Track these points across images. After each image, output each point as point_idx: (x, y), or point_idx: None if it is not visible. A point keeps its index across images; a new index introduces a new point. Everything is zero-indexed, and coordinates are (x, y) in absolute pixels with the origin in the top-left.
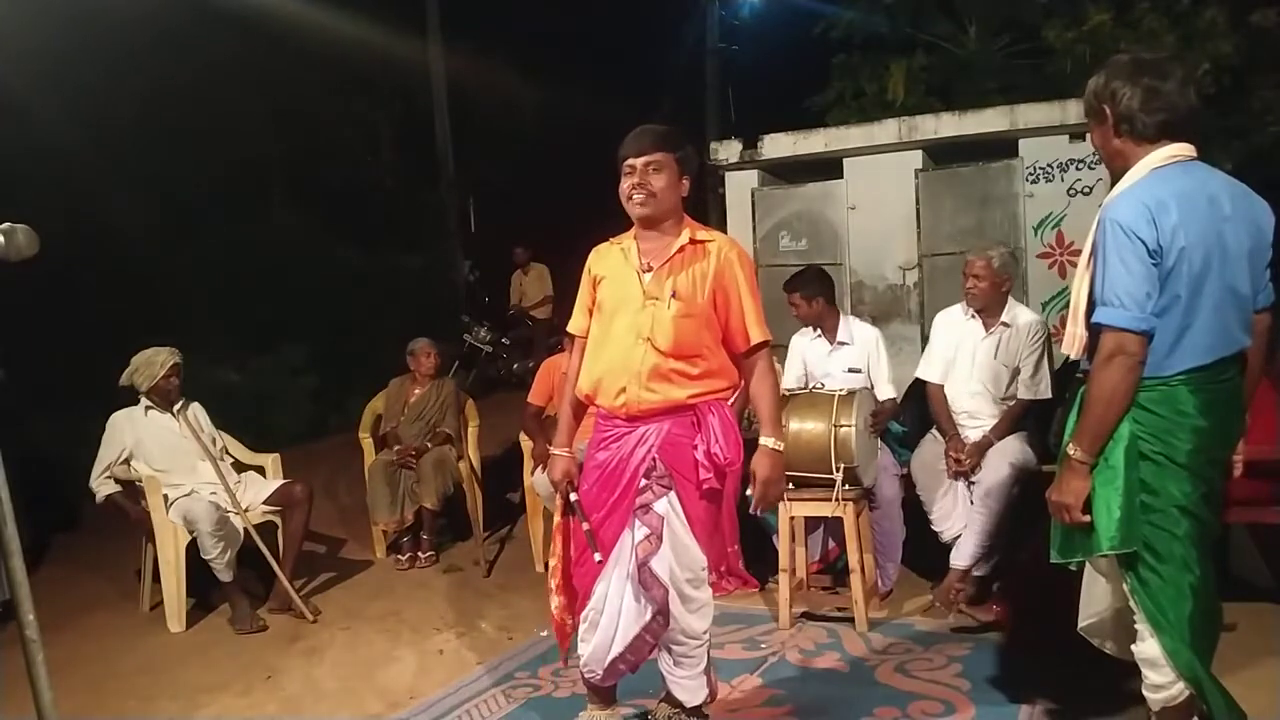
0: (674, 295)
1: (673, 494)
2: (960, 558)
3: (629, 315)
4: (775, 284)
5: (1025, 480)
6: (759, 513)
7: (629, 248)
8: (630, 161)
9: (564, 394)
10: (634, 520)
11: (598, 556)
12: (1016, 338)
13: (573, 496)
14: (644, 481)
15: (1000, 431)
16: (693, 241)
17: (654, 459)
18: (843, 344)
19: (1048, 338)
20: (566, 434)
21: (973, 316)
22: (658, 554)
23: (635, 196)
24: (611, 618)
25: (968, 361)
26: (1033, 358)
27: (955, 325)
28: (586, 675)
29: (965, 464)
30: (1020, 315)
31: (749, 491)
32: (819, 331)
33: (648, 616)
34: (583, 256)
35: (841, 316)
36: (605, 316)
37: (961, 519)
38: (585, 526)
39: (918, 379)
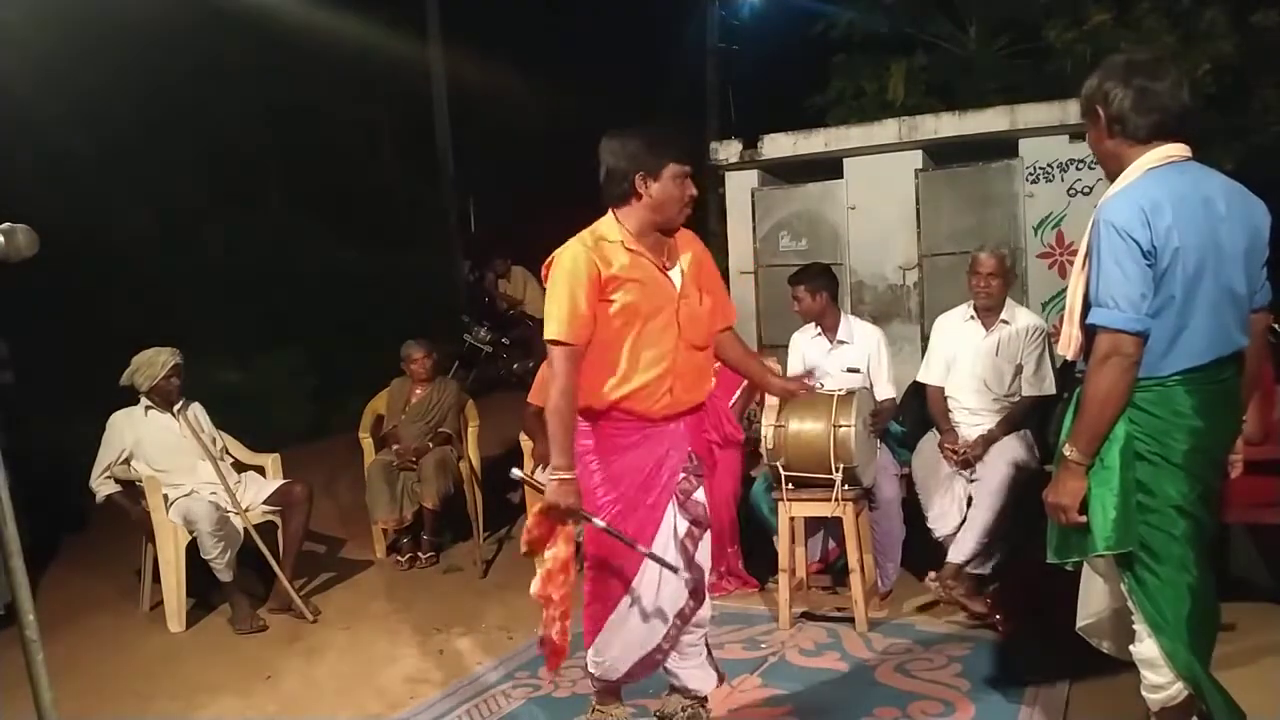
0: (696, 289)
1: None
2: (958, 554)
3: (666, 316)
4: (775, 284)
5: (1026, 480)
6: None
7: (636, 247)
8: (686, 169)
9: (557, 409)
10: (674, 511)
11: (643, 548)
12: (1017, 335)
13: (599, 521)
14: (683, 474)
15: (1004, 427)
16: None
17: (689, 451)
18: (842, 343)
19: (1048, 337)
20: (573, 454)
21: (972, 317)
22: (701, 541)
23: (688, 209)
24: (647, 613)
25: (969, 361)
26: (1034, 354)
27: (955, 327)
28: (608, 676)
29: (967, 455)
30: (1019, 314)
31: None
32: (819, 329)
33: (682, 602)
34: None
35: (842, 315)
36: (638, 319)
37: (955, 518)
38: (629, 541)
39: (918, 380)
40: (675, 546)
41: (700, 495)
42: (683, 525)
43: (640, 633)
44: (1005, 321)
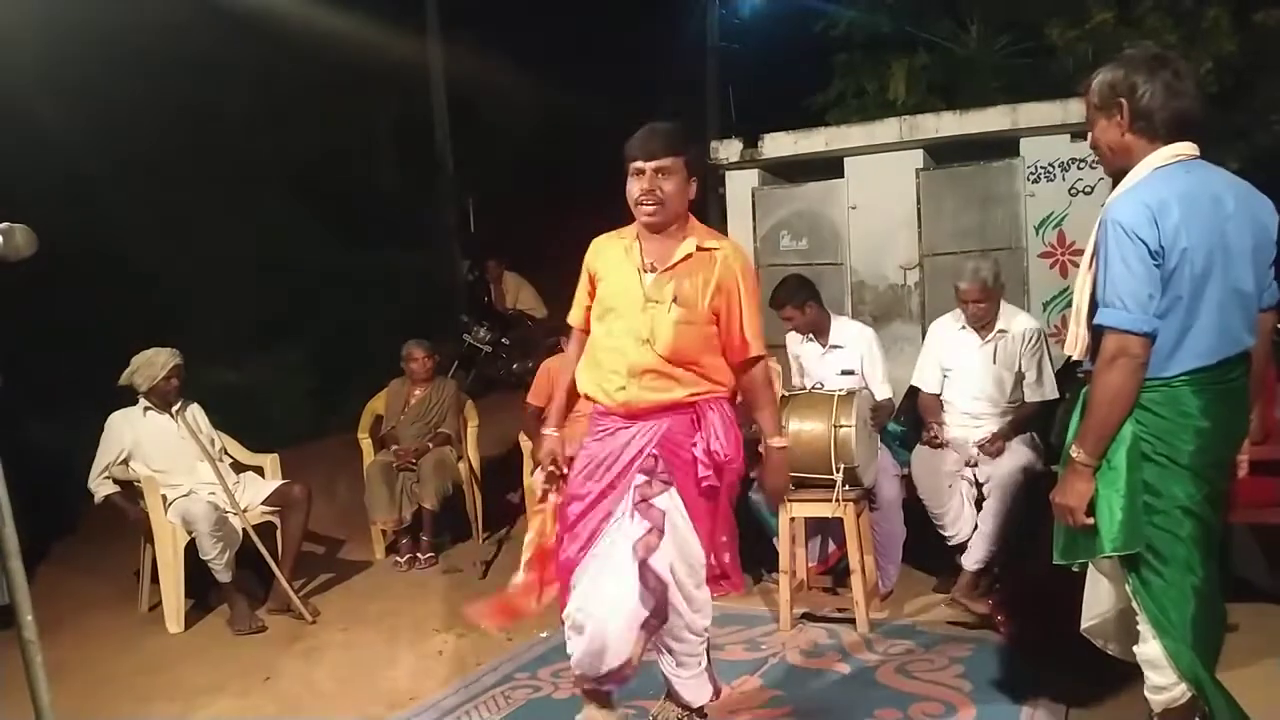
0: (675, 300)
1: (674, 490)
2: (971, 562)
3: (630, 317)
4: (776, 283)
5: (1032, 482)
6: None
7: (631, 246)
8: (639, 165)
9: (560, 381)
10: (634, 515)
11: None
12: (1013, 342)
13: (545, 480)
14: (644, 478)
15: (1013, 429)
16: (699, 249)
17: (654, 455)
18: (835, 347)
19: (1045, 339)
20: (558, 416)
21: (964, 327)
22: (659, 550)
23: (645, 204)
24: (602, 621)
25: (968, 370)
26: (1034, 361)
27: (950, 335)
28: (577, 674)
29: (989, 449)
30: (1016, 320)
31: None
32: (811, 335)
33: (642, 618)
34: (583, 256)
35: (833, 318)
36: (605, 315)
37: (971, 520)
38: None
39: (912, 384)
40: (629, 550)
41: (662, 502)
42: (638, 530)
43: (599, 641)
44: (1002, 330)
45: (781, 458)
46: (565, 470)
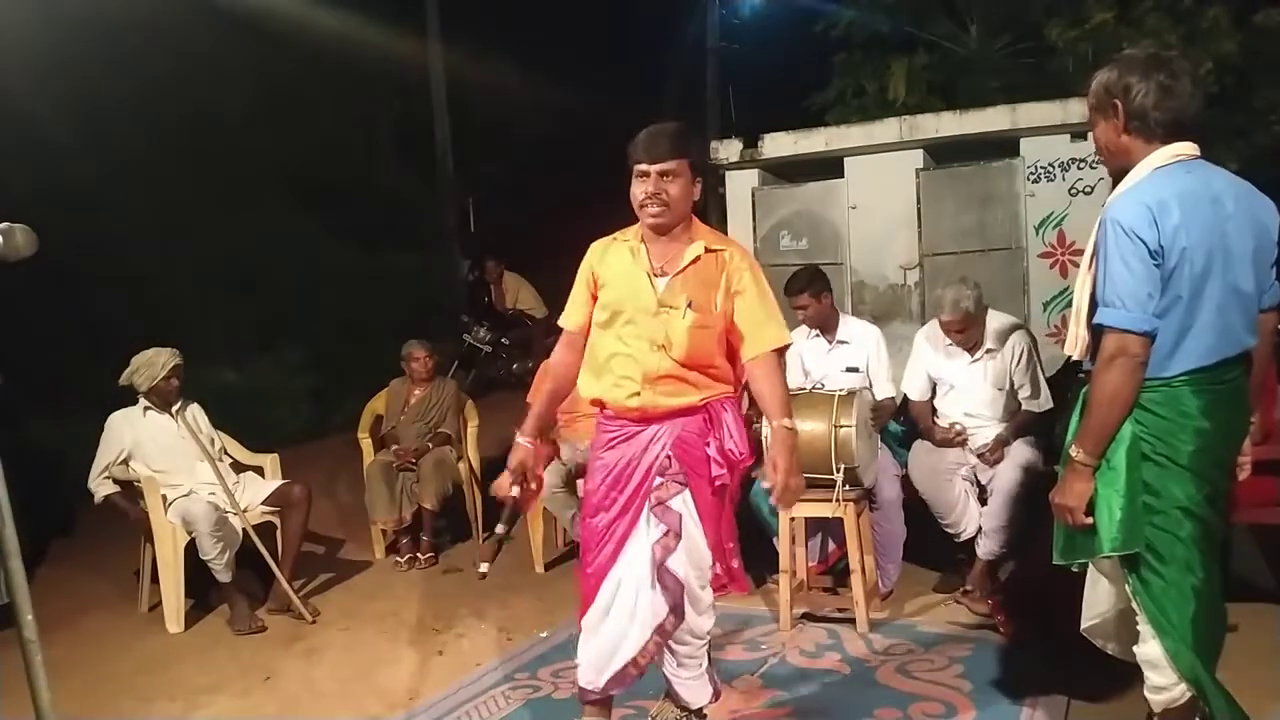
0: (690, 306)
1: (687, 491)
2: (985, 551)
3: (642, 323)
4: (776, 284)
5: (1032, 481)
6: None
7: (637, 249)
8: (643, 167)
9: (541, 387)
10: (650, 518)
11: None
12: (1003, 360)
13: (514, 491)
14: (660, 480)
15: (1014, 432)
16: (707, 250)
17: (669, 456)
18: (842, 343)
19: (1034, 351)
20: (534, 425)
21: (951, 343)
22: (675, 552)
23: (650, 207)
24: (620, 621)
25: (960, 388)
26: (1026, 376)
27: (938, 350)
28: (584, 686)
29: (989, 458)
30: (1003, 336)
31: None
32: (817, 331)
33: (661, 617)
34: (583, 256)
35: (840, 315)
36: (614, 320)
37: (974, 516)
38: (499, 529)
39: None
40: (649, 552)
41: (677, 504)
42: (655, 532)
43: (611, 642)
44: (991, 350)
45: (787, 438)
46: (534, 485)
